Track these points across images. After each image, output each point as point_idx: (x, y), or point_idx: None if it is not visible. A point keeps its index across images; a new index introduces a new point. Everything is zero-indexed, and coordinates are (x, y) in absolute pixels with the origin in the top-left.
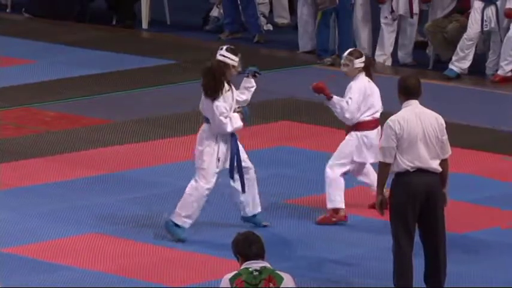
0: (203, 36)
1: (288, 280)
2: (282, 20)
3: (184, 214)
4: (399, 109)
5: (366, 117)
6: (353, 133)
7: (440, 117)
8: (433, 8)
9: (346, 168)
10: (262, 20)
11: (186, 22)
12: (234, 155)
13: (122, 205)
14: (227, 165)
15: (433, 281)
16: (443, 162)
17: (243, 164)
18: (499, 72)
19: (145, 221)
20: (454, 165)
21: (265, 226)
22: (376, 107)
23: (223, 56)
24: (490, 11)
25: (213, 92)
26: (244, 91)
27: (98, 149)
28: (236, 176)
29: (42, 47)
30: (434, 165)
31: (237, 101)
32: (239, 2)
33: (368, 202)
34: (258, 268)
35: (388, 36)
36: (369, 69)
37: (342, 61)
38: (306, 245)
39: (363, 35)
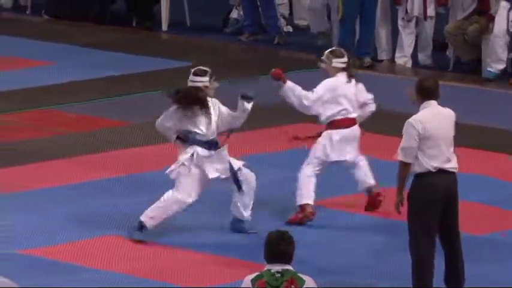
0: (223, 38)
1: (309, 282)
2: (302, 22)
3: (152, 215)
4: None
5: (338, 116)
6: (324, 132)
7: (454, 114)
8: (453, 9)
9: (319, 167)
10: (282, 21)
11: (205, 24)
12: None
13: (141, 207)
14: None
15: (453, 282)
16: None
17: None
18: None
19: (165, 223)
20: (470, 166)
21: (251, 232)
22: (347, 107)
23: (192, 81)
24: None
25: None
26: (239, 115)
27: (117, 150)
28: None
29: (61, 48)
30: (453, 164)
31: (222, 115)
32: (259, 4)
33: (392, 205)
34: (280, 270)
35: (406, 37)
36: (350, 70)
37: (322, 57)
38: (324, 248)
39: (383, 36)
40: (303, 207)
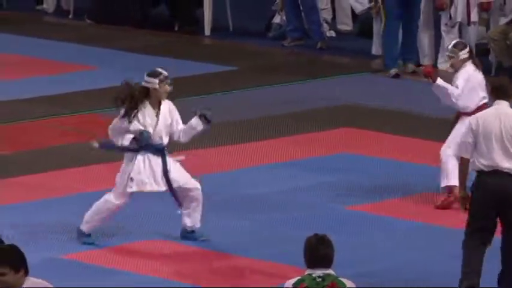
0: (266, 42)
1: (350, 287)
2: (345, 27)
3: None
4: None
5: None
6: (465, 117)
7: None
8: (493, 15)
9: None
10: (325, 26)
11: (248, 28)
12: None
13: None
14: (147, 188)
15: (505, 285)
16: None
17: (185, 185)
18: None
19: (212, 228)
20: None
21: (203, 240)
22: (483, 94)
23: (144, 81)
24: None
25: (124, 114)
26: (187, 129)
27: None
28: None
29: (103, 53)
30: (509, 166)
31: (176, 122)
32: (302, 9)
33: (431, 210)
34: (321, 274)
35: (449, 43)
36: (474, 58)
37: (447, 53)
38: (367, 252)
39: (425, 41)
40: (450, 190)
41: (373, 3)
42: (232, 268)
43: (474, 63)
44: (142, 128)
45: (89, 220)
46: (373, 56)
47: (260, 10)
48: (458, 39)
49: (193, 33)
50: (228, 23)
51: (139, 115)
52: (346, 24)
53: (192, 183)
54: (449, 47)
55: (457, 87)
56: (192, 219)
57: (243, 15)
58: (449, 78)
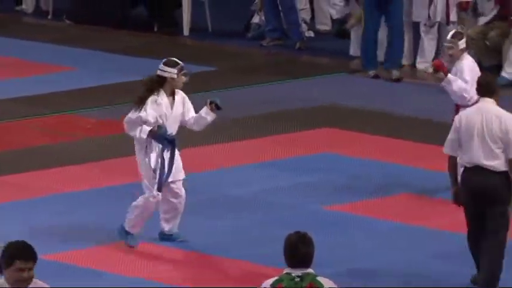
0: (245, 43)
1: (328, 285)
2: (324, 27)
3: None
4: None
5: None
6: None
7: (506, 117)
8: (470, 15)
9: None
10: (304, 26)
11: (227, 29)
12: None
13: None
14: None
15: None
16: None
17: (173, 187)
18: None
19: (192, 229)
20: None
21: (180, 241)
22: None
23: (161, 70)
24: None
25: (138, 103)
26: (198, 119)
27: None
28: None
29: (82, 53)
30: (490, 163)
31: (190, 112)
32: (281, 9)
33: (411, 210)
34: (300, 274)
35: (428, 43)
36: (469, 48)
37: (446, 44)
38: (347, 252)
39: (404, 41)
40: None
41: (350, 12)
42: (213, 269)
43: (469, 52)
44: (157, 116)
45: (134, 224)
46: (351, 57)
47: (239, 10)
48: (455, 30)
49: (172, 34)
50: (207, 23)
51: (156, 104)
52: (325, 24)
53: (180, 189)
54: (448, 37)
55: (465, 81)
56: (170, 225)
57: (221, 16)
58: (428, 79)
